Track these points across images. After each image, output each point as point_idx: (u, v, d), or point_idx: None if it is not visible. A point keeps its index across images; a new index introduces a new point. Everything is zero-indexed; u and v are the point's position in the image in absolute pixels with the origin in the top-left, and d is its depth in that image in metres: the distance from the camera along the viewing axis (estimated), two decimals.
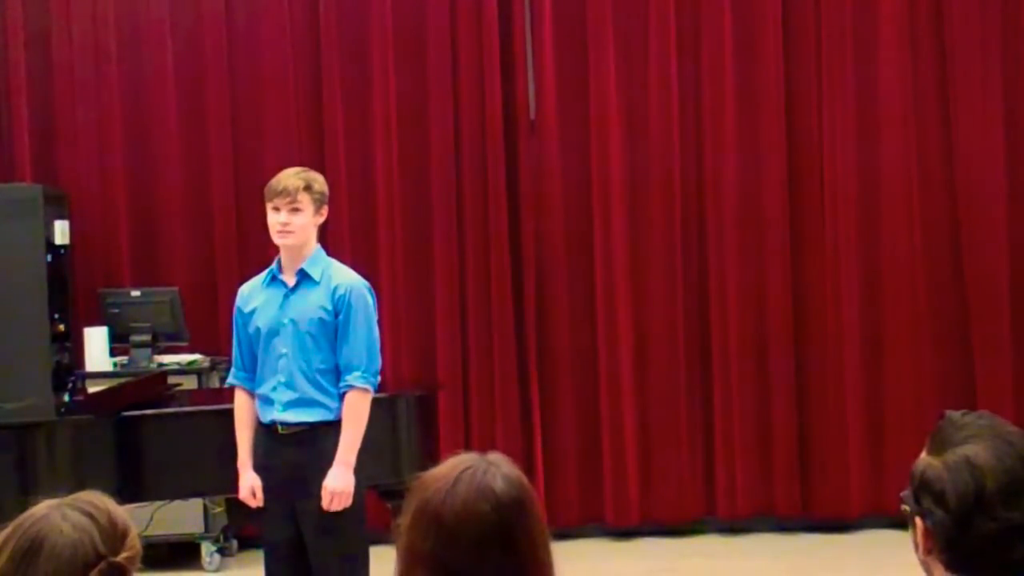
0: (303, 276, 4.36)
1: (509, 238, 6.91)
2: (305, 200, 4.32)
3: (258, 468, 4.37)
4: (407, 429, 5.08)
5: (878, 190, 6.87)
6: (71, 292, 6.91)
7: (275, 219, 4.33)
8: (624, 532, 6.92)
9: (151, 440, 4.95)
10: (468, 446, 6.62)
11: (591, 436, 6.92)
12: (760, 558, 6.55)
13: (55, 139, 7.05)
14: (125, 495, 4.48)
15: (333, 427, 4.30)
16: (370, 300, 4.41)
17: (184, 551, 6.55)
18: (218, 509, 6.44)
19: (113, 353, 6.62)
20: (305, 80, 6.99)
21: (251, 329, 4.43)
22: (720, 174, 6.88)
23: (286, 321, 4.33)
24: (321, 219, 4.42)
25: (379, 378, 4.43)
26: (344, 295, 4.32)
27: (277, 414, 4.32)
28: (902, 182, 6.84)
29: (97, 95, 7.00)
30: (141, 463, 4.91)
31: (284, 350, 4.33)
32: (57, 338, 6.65)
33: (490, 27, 6.89)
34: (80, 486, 1.92)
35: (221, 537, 6.65)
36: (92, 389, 5.81)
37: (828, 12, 6.85)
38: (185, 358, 6.69)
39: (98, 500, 1.85)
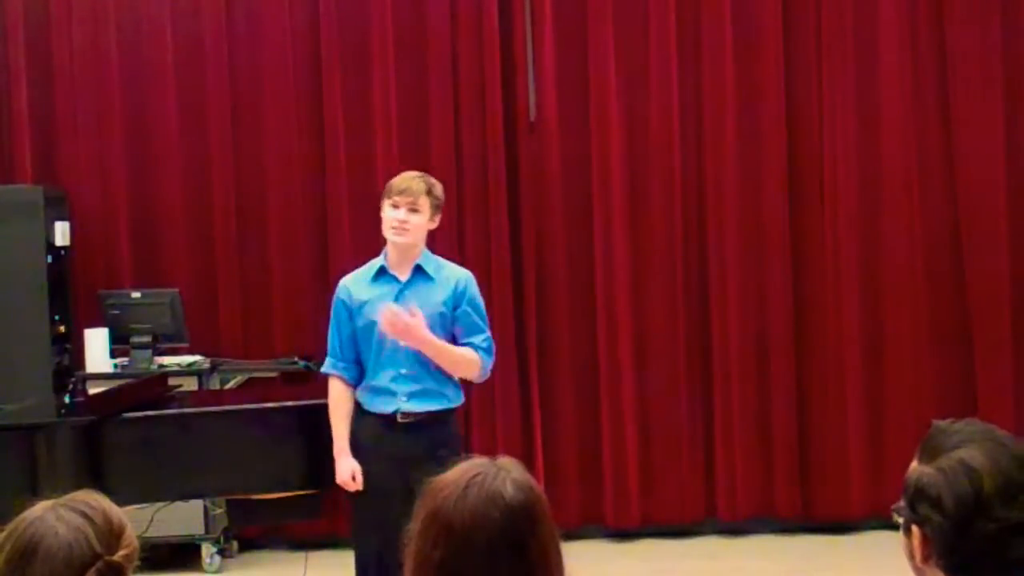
0: (418, 271, 4.53)
1: (509, 238, 6.90)
2: (425, 204, 4.51)
3: (366, 455, 4.46)
4: None
5: (878, 190, 6.86)
6: (71, 293, 6.90)
7: (392, 215, 4.50)
8: (624, 533, 6.91)
9: (152, 441, 4.93)
10: (468, 447, 6.63)
11: (591, 436, 6.91)
12: (760, 560, 6.54)
13: (55, 139, 7.05)
14: (126, 496, 4.48)
15: (451, 414, 4.54)
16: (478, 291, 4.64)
17: (184, 552, 6.55)
18: (219, 510, 6.44)
19: (113, 354, 6.61)
20: (305, 80, 6.98)
21: (361, 323, 4.53)
22: (720, 174, 6.87)
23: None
24: (434, 225, 4.60)
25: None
26: (464, 289, 4.54)
27: (402, 404, 4.46)
28: (902, 182, 6.84)
29: (97, 95, 7.00)
30: (142, 464, 4.90)
31: (402, 343, 4.45)
32: (57, 339, 6.64)
33: (490, 27, 6.88)
34: (80, 487, 1.91)
35: (221, 538, 6.65)
36: (92, 391, 5.81)
37: (828, 12, 6.85)
38: (185, 359, 6.68)
39: (93, 499, 1.85)
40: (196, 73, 7.00)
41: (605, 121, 6.87)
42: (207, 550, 6.57)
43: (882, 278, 6.85)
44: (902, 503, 1.93)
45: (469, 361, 4.52)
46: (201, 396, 6.32)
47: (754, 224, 6.87)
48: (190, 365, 6.64)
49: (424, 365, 4.47)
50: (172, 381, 5.95)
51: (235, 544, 6.79)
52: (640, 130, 6.91)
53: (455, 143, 6.92)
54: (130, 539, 1.84)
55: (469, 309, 4.54)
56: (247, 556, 6.78)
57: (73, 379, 6.35)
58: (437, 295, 4.52)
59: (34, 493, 1.93)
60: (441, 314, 4.49)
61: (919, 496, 1.88)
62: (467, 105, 6.92)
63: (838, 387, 6.83)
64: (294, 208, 6.96)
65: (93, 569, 1.77)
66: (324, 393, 4.67)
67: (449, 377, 4.53)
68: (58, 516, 1.80)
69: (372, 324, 4.48)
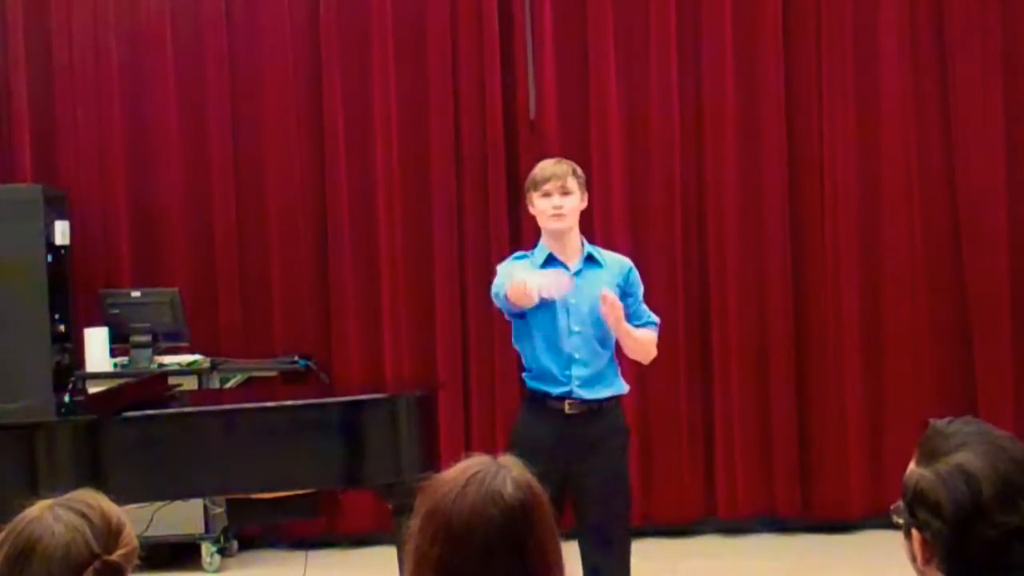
0: (588, 260, 4.56)
1: (509, 238, 6.89)
2: (574, 184, 4.54)
3: (539, 441, 4.28)
4: (407, 429, 5.07)
5: (878, 190, 6.86)
6: (71, 293, 6.91)
7: (547, 204, 4.50)
8: None
9: (152, 441, 4.93)
10: (468, 446, 6.63)
11: None
12: (760, 559, 6.54)
13: (55, 139, 7.04)
14: (126, 496, 4.47)
15: (620, 401, 4.53)
16: None
17: (184, 551, 6.55)
18: (218, 509, 6.43)
19: (113, 354, 6.61)
20: (305, 80, 6.98)
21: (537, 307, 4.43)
22: (720, 174, 6.87)
23: (575, 301, 4.42)
24: (584, 204, 4.64)
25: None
26: (631, 273, 4.56)
27: (575, 389, 4.41)
28: (902, 182, 6.84)
29: (97, 95, 7.00)
30: (141, 464, 4.90)
31: (577, 329, 4.42)
32: (57, 339, 6.64)
33: (490, 27, 6.88)
34: (80, 487, 1.91)
35: (221, 537, 6.65)
36: (92, 390, 5.80)
37: (828, 13, 6.85)
38: (185, 358, 6.69)
39: (91, 499, 1.85)
40: (196, 73, 7.00)
41: (605, 120, 6.87)
42: (207, 550, 6.57)
43: (882, 278, 6.85)
44: (901, 505, 1.92)
45: (651, 339, 4.54)
46: (201, 395, 6.32)
47: (754, 224, 6.87)
48: (190, 364, 6.64)
49: (597, 351, 4.44)
50: (172, 380, 5.94)
51: (235, 544, 6.79)
52: (640, 130, 6.91)
53: (455, 143, 6.92)
54: (129, 538, 1.84)
55: (638, 294, 4.57)
56: (247, 555, 6.78)
57: (73, 378, 6.35)
58: (609, 281, 4.52)
59: (34, 493, 1.93)
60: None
61: (918, 501, 1.88)
62: (467, 105, 6.92)
63: (838, 387, 6.82)
64: (294, 208, 6.96)
65: (91, 569, 1.77)
66: (323, 392, 4.68)
67: (616, 365, 4.52)
68: (56, 516, 1.80)
69: (550, 305, 4.38)
